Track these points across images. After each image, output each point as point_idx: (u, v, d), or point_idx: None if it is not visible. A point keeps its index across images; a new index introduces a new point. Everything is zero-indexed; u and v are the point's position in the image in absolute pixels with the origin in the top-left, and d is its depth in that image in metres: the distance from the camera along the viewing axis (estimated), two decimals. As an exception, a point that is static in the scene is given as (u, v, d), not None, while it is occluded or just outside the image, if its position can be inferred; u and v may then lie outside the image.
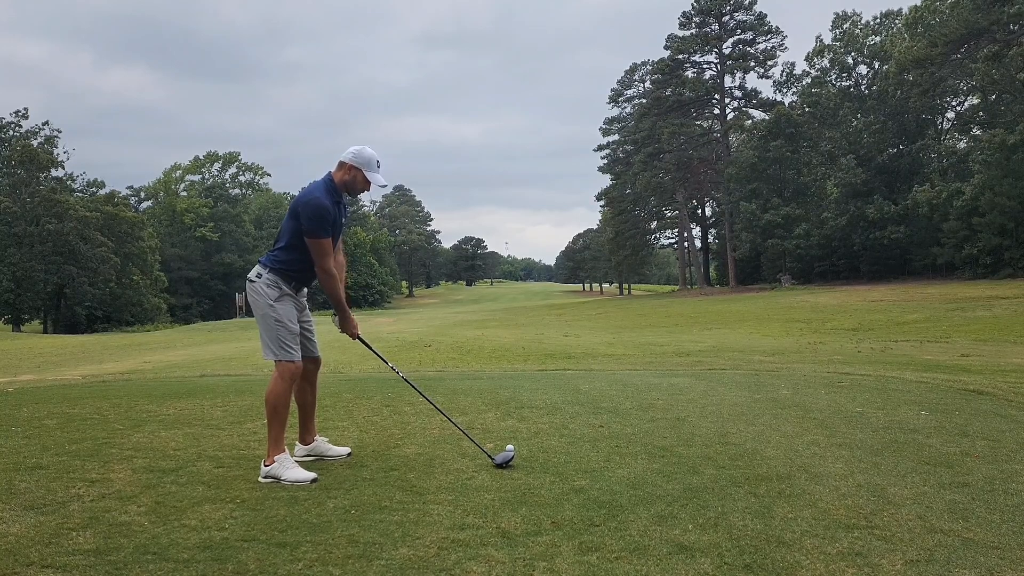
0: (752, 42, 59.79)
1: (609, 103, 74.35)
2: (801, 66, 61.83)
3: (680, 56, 60.64)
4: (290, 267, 4.04)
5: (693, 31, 60.55)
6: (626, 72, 73.45)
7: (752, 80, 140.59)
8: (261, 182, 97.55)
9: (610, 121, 76.06)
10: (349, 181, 4.08)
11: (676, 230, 72.54)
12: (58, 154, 61.15)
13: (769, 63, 59.51)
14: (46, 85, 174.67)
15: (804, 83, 57.36)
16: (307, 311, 4.29)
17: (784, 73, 60.04)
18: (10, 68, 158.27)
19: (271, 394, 3.95)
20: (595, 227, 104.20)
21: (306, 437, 4.28)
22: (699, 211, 71.39)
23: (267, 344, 4.01)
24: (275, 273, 4.03)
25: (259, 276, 4.01)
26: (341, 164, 4.09)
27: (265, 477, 3.79)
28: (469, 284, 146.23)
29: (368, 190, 4.15)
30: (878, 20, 56.15)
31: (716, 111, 63.04)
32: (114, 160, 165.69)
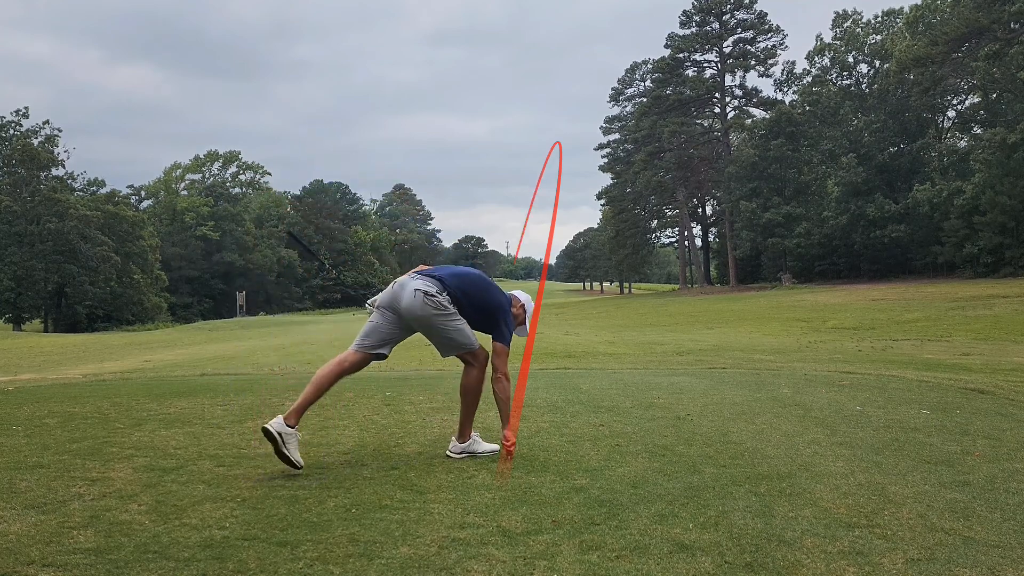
0: (752, 41, 59.83)
1: (609, 102, 74.49)
2: (802, 65, 62.07)
3: (680, 55, 60.67)
4: (456, 305, 4.19)
5: (693, 30, 60.59)
6: (626, 71, 73.52)
7: (752, 79, 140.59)
8: (261, 181, 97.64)
9: (610, 120, 76.10)
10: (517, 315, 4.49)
11: (676, 229, 72.54)
12: (58, 153, 61.16)
13: (769, 62, 59.58)
14: (53, 82, 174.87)
15: (804, 82, 57.38)
16: None
17: (784, 72, 60.12)
18: (17, 65, 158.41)
19: (477, 386, 4.32)
20: (596, 226, 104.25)
21: (293, 420, 3.94)
22: (700, 210, 71.37)
23: (461, 339, 4.22)
24: (450, 296, 4.16)
25: (440, 292, 4.11)
26: (515, 300, 4.50)
27: (460, 453, 4.19)
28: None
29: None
30: (879, 19, 56.18)
31: (716, 110, 63.06)
32: (121, 158, 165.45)
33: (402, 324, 4.17)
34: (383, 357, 4.24)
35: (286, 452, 3.80)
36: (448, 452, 4.22)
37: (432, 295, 4.05)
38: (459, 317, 4.16)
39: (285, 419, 3.88)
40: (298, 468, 3.83)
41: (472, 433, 4.28)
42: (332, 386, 4.18)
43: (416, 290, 4.06)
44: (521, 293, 4.59)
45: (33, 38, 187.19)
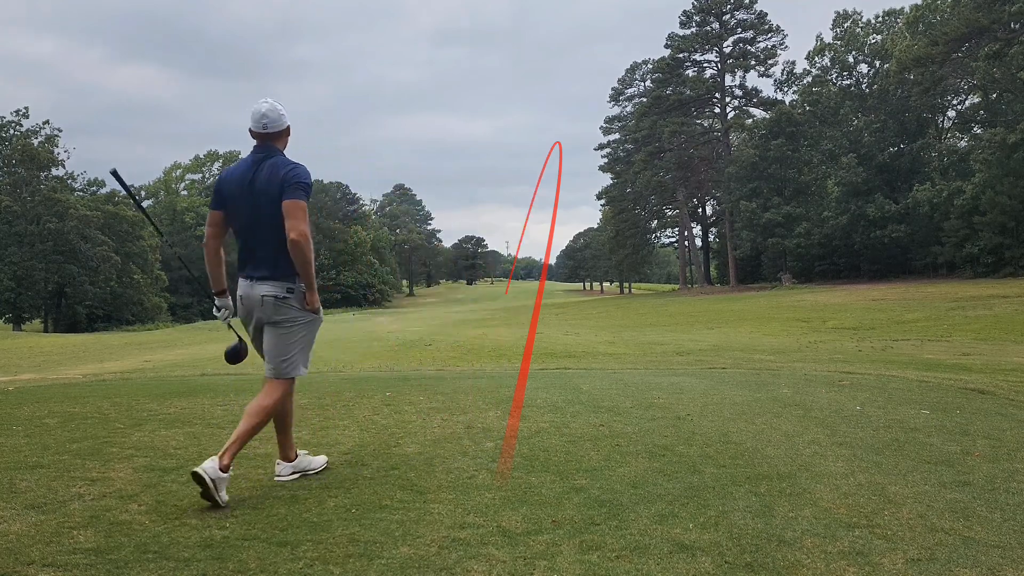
0: (752, 41, 59.85)
1: (610, 102, 74.57)
2: (802, 65, 62.09)
3: (680, 55, 60.71)
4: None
5: (693, 30, 60.63)
6: (627, 71, 73.60)
7: (753, 79, 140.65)
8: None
9: (611, 120, 76.18)
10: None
11: (677, 229, 72.58)
12: (58, 153, 61.22)
13: (769, 62, 59.61)
14: (53, 82, 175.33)
15: (805, 82, 57.36)
16: None
17: (785, 72, 60.12)
18: (18, 65, 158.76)
19: (272, 408, 3.61)
20: (596, 226, 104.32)
21: (289, 452, 3.85)
22: (700, 210, 71.41)
23: (301, 358, 3.71)
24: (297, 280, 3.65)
25: (291, 291, 3.61)
26: (284, 132, 3.70)
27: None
28: (469, 283, 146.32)
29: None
30: (879, 19, 56.17)
31: (717, 110, 63.07)
32: (121, 158, 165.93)
33: None
34: None
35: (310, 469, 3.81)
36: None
37: (282, 297, 3.60)
38: (308, 325, 3.68)
39: (283, 460, 3.78)
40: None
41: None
42: (290, 411, 3.85)
43: (263, 296, 3.61)
44: (266, 112, 3.63)
45: (35, 38, 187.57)
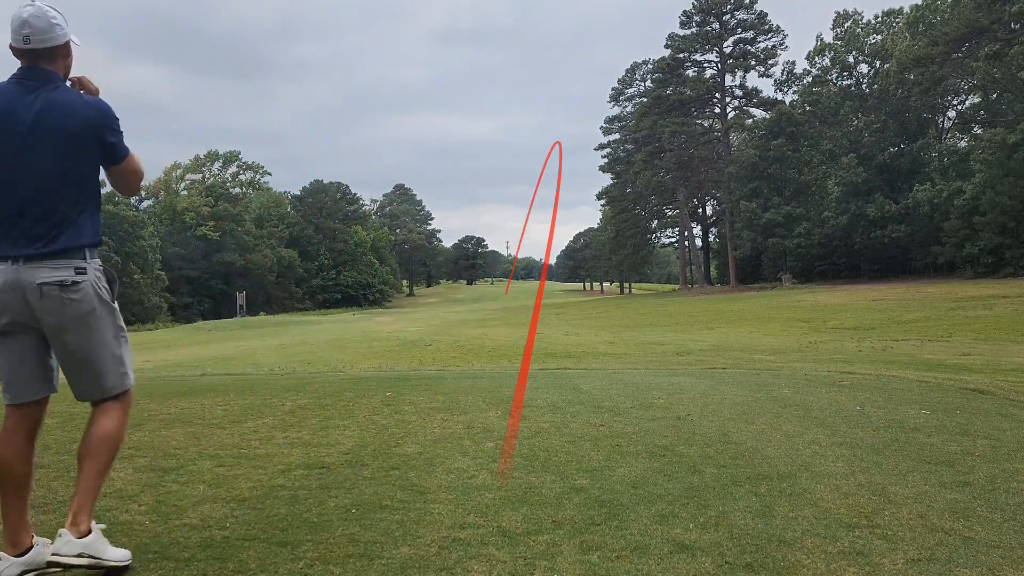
0: (753, 41, 59.92)
1: (610, 102, 74.68)
2: (802, 65, 62.14)
3: (681, 55, 60.78)
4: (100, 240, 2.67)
5: (694, 30, 60.69)
6: (627, 71, 73.69)
7: (753, 79, 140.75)
8: (261, 181, 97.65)
9: (611, 120, 76.28)
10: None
11: (677, 229, 72.63)
12: (58, 153, 61.22)
13: (770, 62, 59.69)
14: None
15: (805, 82, 57.42)
16: None
17: (785, 72, 60.16)
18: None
19: (120, 436, 2.76)
20: (596, 226, 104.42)
21: (22, 537, 2.50)
22: (700, 210, 71.43)
23: (123, 366, 2.74)
24: (98, 256, 2.66)
25: (82, 272, 2.53)
26: (59, 50, 2.64)
27: (79, 555, 2.47)
28: (469, 283, 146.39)
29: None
30: (879, 19, 56.20)
31: (717, 110, 63.11)
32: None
33: (44, 334, 2.58)
34: (53, 390, 2.74)
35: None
36: (52, 558, 2.49)
37: (71, 283, 2.52)
38: (114, 314, 2.68)
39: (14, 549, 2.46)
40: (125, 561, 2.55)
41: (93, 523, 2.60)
42: (29, 467, 2.67)
43: (42, 285, 2.47)
44: (27, 19, 2.56)
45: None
